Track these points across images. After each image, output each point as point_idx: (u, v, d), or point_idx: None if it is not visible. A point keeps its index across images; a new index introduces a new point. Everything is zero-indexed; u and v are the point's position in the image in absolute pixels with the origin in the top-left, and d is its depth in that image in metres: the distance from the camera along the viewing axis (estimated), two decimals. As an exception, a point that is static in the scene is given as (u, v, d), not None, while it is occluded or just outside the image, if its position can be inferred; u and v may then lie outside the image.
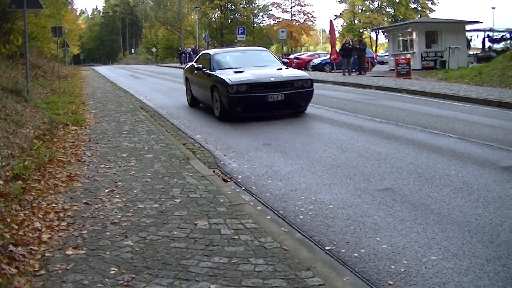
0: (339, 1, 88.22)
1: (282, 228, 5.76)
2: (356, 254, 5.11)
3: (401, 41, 35.53)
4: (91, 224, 5.82)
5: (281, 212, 6.49)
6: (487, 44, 41.57)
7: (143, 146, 10.43)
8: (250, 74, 13.97)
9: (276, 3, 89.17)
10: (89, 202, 6.64)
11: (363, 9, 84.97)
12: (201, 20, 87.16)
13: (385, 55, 51.21)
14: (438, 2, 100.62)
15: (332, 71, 36.08)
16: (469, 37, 39.33)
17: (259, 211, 6.40)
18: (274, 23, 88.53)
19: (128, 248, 5.10)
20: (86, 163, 8.98)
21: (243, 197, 7.03)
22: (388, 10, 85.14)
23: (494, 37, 42.18)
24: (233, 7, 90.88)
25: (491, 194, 6.77)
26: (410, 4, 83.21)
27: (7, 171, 7.41)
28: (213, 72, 14.68)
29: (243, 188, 7.65)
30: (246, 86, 13.38)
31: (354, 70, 32.31)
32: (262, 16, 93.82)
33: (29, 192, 6.78)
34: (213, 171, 8.50)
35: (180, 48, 78.45)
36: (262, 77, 13.85)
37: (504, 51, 33.64)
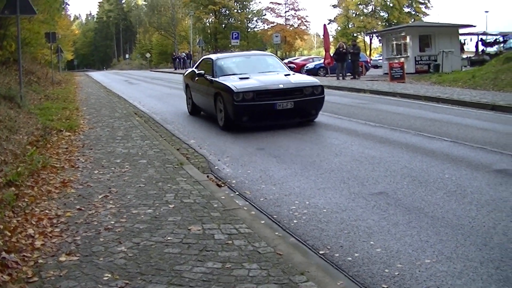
0: (333, 6, 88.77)
1: (276, 233, 5.75)
2: (350, 258, 5.11)
3: (394, 45, 35.60)
4: (85, 230, 5.80)
5: (275, 216, 6.48)
6: (481, 47, 41.72)
7: (137, 151, 10.41)
8: (256, 81, 13.13)
9: (270, 8, 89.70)
10: (83, 208, 6.62)
11: (357, 13, 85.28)
12: (195, 25, 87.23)
13: (379, 59, 51.34)
14: (432, 6, 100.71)
15: (326, 75, 36.11)
16: (462, 41, 39.51)
17: (253, 215, 6.38)
18: (268, 28, 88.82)
19: (121, 254, 5.08)
20: (80, 169, 8.95)
21: (237, 202, 7.02)
22: (382, 14, 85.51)
23: (488, 41, 42.34)
24: (227, 12, 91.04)
25: (484, 197, 6.78)
26: (403, 8, 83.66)
27: (0, 178, 7.39)
28: (216, 79, 13.84)
29: (237, 193, 7.64)
30: (253, 93, 12.54)
31: (348, 74, 32.37)
32: (256, 21, 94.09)
33: (22, 199, 6.75)
34: (207, 176, 8.48)
35: (174, 53, 78.58)
36: (270, 84, 12.99)
37: (497, 55, 33.71)
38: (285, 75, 13.93)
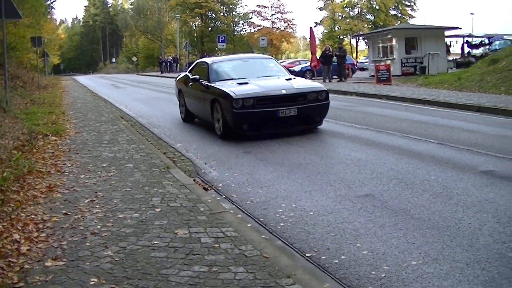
0: (319, 9, 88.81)
1: (263, 236, 5.75)
2: (337, 261, 5.11)
3: (381, 47, 35.71)
4: (71, 235, 5.77)
5: (261, 219, 6.48)
6: (466, 49, 41.95)
7: (123, 155, 10.39)
8: (257, 86, 12.25)
9: (256, 11, 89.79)
10: (69, 213, 6.59)
11: (343, 16, 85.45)
12: (181, 29, 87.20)
13: (365, 62, 51.50)
14: (418, 9, 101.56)
15: (313, 78, 36.07)
16: (448, 43, 39.66)
17: (239, 219, 6.38)
18: (254, 31, 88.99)
19: (108, 259, 5.07)
20: (66, 173, 8.92)
21: (223, 205, 7.00)
22: (368, 17, 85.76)
23: (473, 43, 42.60)
24: (214, 15, 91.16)
25: (470, 199, 6.81)
26: (390, 11, 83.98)
27: (-14, 183, 7.35)
28: (213, 84, 12.94)
29: (224, 196, 7.64)
30: (254, 99, 11.71)
31: (334, 77, 32.43)
32: (242, 24, 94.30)
33: (8, 204, 6.70)
34: (194, 180, 8.46)
35: (160, 57, 78.58)
36: (271, 89, 12.14)
37: (483, 57, 33.91)
38: (287, 79, 13.18)
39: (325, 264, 5.07)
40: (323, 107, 12.51)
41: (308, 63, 38.18)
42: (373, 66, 32.34)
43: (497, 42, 40.15)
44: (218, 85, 12.74)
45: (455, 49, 45.07)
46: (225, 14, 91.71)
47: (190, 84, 14.58)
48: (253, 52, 77.97)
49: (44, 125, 14.55)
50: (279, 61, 18.01)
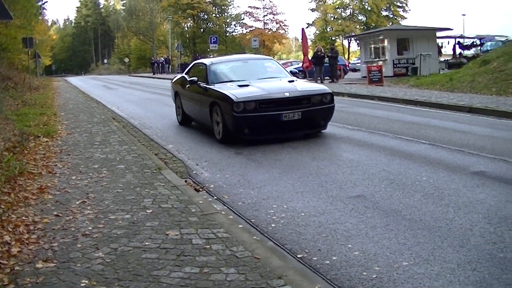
0: (311, 10, 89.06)
1: (254, 237, 5.76)
2: (328, 262, 5.12)
3: (373, 48, 35.75)
4: (62, 236, 5.76)
5: (253, 220, 6.47)
6: (458, 50, 42.11)
7: (115, 156, 10.37)
8: (258, 89, 11.72)
9: (248, 12, 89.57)
10: (60, 214, 6.57)
11: (335, 17, 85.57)
12: (173, 30, 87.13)
13: (357, 63, 51.51)
14: (410, 10, 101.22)
15: (305, 79, 36.14)
16: (440, 44, 39.75)
17: (231, 220, 6.38)
18: (246, 32, 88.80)
19: (99, 260, 5.05)
20: (57, 175, 8.89)
21: (215, 206, 7.01)
22: (360, 18, 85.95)
23: (465, 44, 42.79)
24: (206, 16, 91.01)
25: (461, 199, 6.83)
26: (381, 12, 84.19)
27: (-24, 184, 7.32)
28: (212, 87, 12.44)
29: (215, 197, 7.62)
30: (255, 103, 11.19)
31: (326, 78, 32.47)
32: (234, 25, 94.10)
33: (-1, 205, 6.70)
34: (185, 181, 8.46)
35: (152, 58, 78.45)
36: (274, 92, 11.59)
37: (474, 57, 34.06)
38: (289, 81, 12.62)
39: (317, 265, 5.07)
40: (328, 110, 12.07)
41: (300, 64, 38.23)
42: (365, 67, 32.40)
43: (489, 43, 40.41)
44: (217, 87, 12.28)
45: (447, 50, 45.15)
46: (217, 15, 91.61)
47: (187, 86, 14.09)
48: (245, 53, 78.12)
49: (35, 126, 14.50)
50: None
